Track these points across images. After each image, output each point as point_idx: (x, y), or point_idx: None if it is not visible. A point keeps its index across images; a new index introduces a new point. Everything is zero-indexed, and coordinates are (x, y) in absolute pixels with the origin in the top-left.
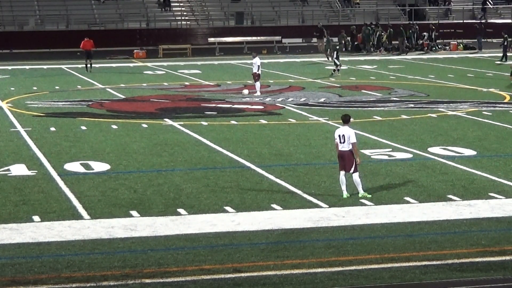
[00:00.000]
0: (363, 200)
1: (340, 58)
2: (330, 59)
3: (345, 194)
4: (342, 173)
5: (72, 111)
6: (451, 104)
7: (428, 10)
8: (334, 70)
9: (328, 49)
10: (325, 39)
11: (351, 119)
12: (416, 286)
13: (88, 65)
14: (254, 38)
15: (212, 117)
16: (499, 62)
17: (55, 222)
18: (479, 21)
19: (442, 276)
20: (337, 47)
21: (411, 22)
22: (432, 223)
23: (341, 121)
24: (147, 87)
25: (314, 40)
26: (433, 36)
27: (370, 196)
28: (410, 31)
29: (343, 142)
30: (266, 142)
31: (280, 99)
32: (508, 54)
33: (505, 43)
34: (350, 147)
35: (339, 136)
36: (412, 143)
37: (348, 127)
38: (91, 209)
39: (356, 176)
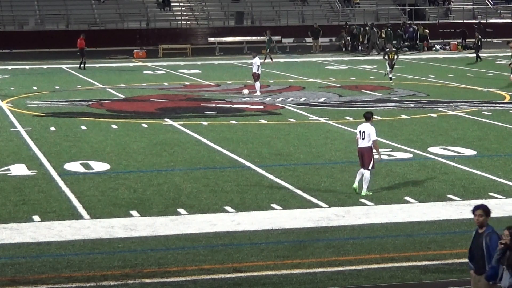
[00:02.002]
0: (363, 200)
1: (340, 58)
2: (270, 60)
3: (363, 192)
4: (362, 170)
5: (72, 111)
6: (451, 104)
7: (428, 10)
8: (390, 78)
9: (269, 49)
10: (266, 38)
11: (373, 117)
12: (416, 286)
13: (82, 64)
14: (254, 38)
15: (212, 117)
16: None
17: (55, 222)
18: (478, 21)
19: (442, 276)
20: (392, 50)
21: (405, 22)
22: (432, 223)
23: (363, 118)
24: (147, 87)
25: (309, 40)
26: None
27: (371, 193)
28: (400, 30)
29: (363, 139)
30: (266, 142)
31: (280, 99)
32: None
33: (479, 43)
34: (370, 143)
35: (360, 132)
36: (412, 143)
37: (370, 124)
38: (91, 209)
39: (367, 174)
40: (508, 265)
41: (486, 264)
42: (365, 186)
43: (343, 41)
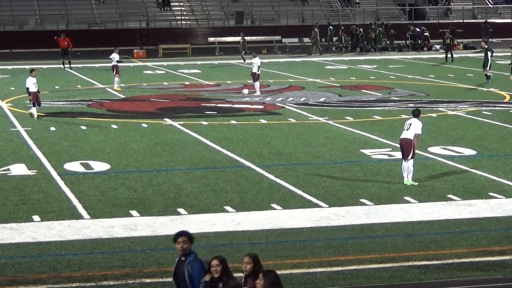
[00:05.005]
0: (363, 200)
1: (340, 58)
2: (243, 61)
3: (405, 180)
4: (404, 162)
5: (72, 111)
6: (451, 104)
7: (428, 9)
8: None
9: (244, 50)
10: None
11: (420, 113)
12: (416, 286)
13: (67, 65)
14: (254, 38)
15: (212, 116)
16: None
17: (55, 222)
18: (484, 21)
19: (442, 276)
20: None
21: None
22: (432, 223)
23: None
24: (147, 87)
25: (307, 40)
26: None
27: (416, 184)
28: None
29: (408, 130)
30: (266, 142)
31: (280, 99)
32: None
33: (450, 43)
34: (412, 136)
35: (406, 124)
36: None
37: (417, 120)
38: (91, 209)
39: (410, 164)
40: None
41: None
42: (409, 176)
43: (343, 40)
